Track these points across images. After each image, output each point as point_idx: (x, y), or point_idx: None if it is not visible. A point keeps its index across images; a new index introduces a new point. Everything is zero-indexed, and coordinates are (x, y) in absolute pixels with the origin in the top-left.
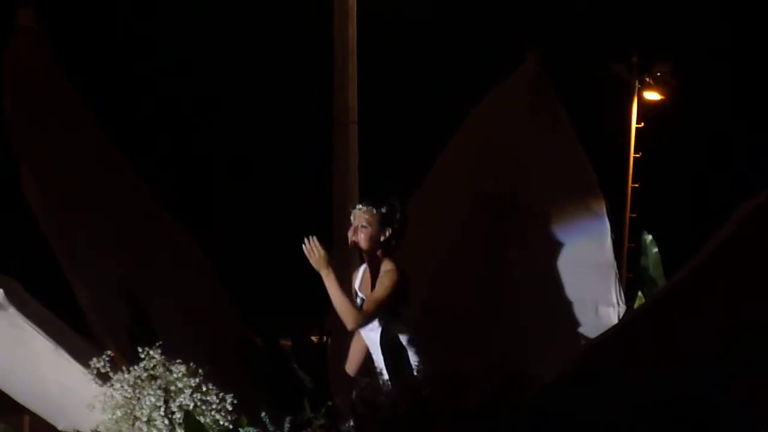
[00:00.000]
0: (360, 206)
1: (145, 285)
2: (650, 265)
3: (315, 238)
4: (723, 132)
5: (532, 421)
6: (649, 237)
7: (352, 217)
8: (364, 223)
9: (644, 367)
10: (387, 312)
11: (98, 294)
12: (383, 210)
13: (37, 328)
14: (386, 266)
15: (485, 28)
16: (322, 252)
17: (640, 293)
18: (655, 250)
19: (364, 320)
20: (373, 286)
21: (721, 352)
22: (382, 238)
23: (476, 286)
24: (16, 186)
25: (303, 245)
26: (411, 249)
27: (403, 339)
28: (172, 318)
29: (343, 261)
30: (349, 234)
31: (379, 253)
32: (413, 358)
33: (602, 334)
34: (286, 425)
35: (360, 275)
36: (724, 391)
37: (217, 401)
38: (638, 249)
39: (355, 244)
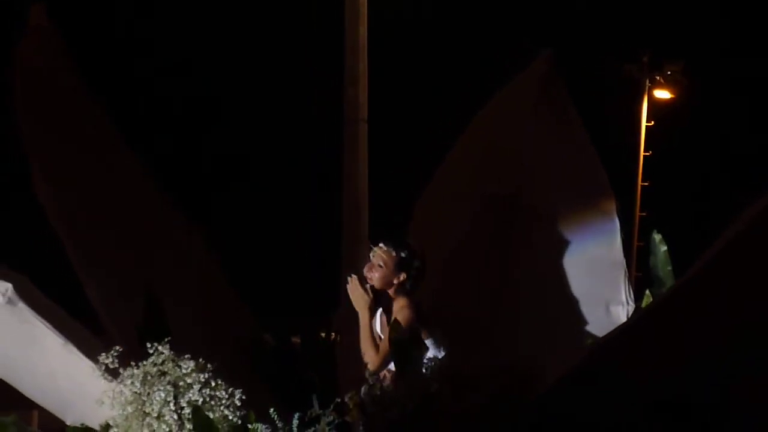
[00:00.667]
0: (381, 245)
1: (154, 283)
2: (659, 264)
3: (356, 277)
4: (733, 131)
5: (537, 421)
6: (659, 236)
7: (371, 254)
8: (381, 263)
9: (649, 367)
10: None
11: (108, 291)
12: (402, 254)
13: (46, 323)
14: (399, 303)
15: (495, 28)
16: (362, 291)
17: (648, 292)
18: (664, 248)
19: (381, 363)
20: (384, 325)
21: (727, 353)
22: (395, 281)
23: (483, 286)
24: (27, 184)
25: (346, 283)
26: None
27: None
28: (181, 316)
29: (354, 259)
30: (365, 270)
31: (391, 292)
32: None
33: (608, 335)
34: (295, 422)
35: (378, 319)
36: (727, 393)
37: (226, 397)
38: (648, 248)
39: (368, 282)
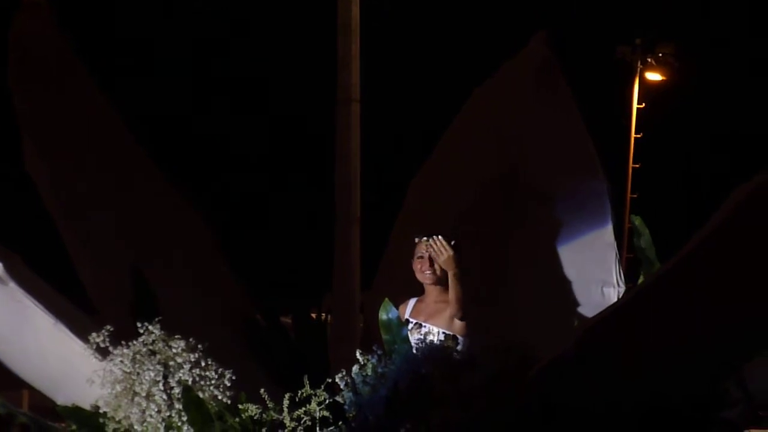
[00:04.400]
0: (426, 238)
1: (149, 262)
2: (645, 246)
3: (441, 238)
4: (723, 113)
5: (530, 403)
6: (638, 218)
7: (422, 250)
8: (441, 254)
9: (639, 349)
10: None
11: (100, 269)
12: (452, 242)
13: (37, 302)
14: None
15: (488, 8)
16: (451, 252)
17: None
18: (647, 231)
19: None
20: (440, 314)
21: (714, 341)
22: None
23: (478, 266)
24: (19, 161)
25: (431, 245)
26: (413, 228)
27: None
28: (175, 295)
29: (346, 239)
30: (418, 266)
31: (437, 282)
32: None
33: (598, 315)
34: (285, 401)
35: (411, 308)
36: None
37: (216, 377)
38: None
39: (431, 275)
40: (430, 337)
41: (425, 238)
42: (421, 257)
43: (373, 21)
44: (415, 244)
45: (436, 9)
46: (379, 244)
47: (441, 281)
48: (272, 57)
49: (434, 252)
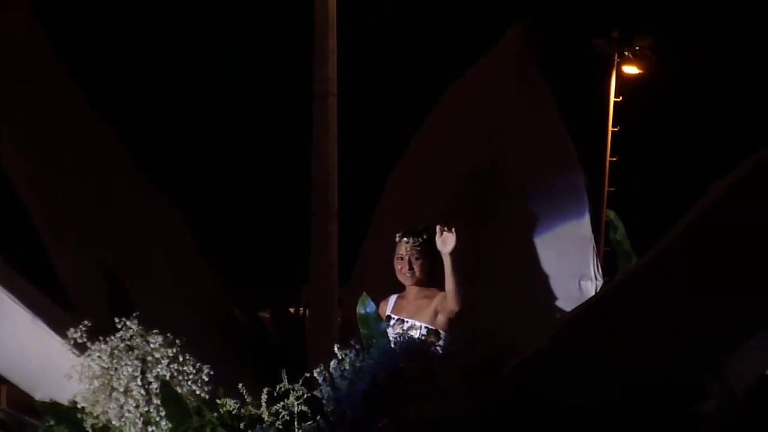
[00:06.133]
0: (406, 239)
1: (128, 259)
2: (621, 239)
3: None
4: (700, 106)
5: (508, 398)
6: (613, 212)
7: (402, 251)
8: (417, 255)
9: (617, 343)
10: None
11: (78, 265)
12: (429, 240)
13: (14, 298)
14: (433, 291)
15: (466, 2)
16: (455, 237)
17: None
18: (621, 224)
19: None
20: (423, 310)
21: (691, 335)
22: (430, 266)
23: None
24: None
25: (440, 231)
26: (390, 224)
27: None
28: (153, 290)
29: (325, 237)
30: (398, 267)
31: (424, 280)
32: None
33: (576, 309)
34: (263, 396)
35: (392, 304)
36: (699, 373)
37: (194, 372)
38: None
39: (411, 276)
40: (413, 332)
41: (405, 239)
42: (401, 258)
43: (370, 18)
44: (395, 243)
45: (414, 3)
46: (358, 238)
47: (421, 282)
48: (250, 50)
49: (443, 240)
